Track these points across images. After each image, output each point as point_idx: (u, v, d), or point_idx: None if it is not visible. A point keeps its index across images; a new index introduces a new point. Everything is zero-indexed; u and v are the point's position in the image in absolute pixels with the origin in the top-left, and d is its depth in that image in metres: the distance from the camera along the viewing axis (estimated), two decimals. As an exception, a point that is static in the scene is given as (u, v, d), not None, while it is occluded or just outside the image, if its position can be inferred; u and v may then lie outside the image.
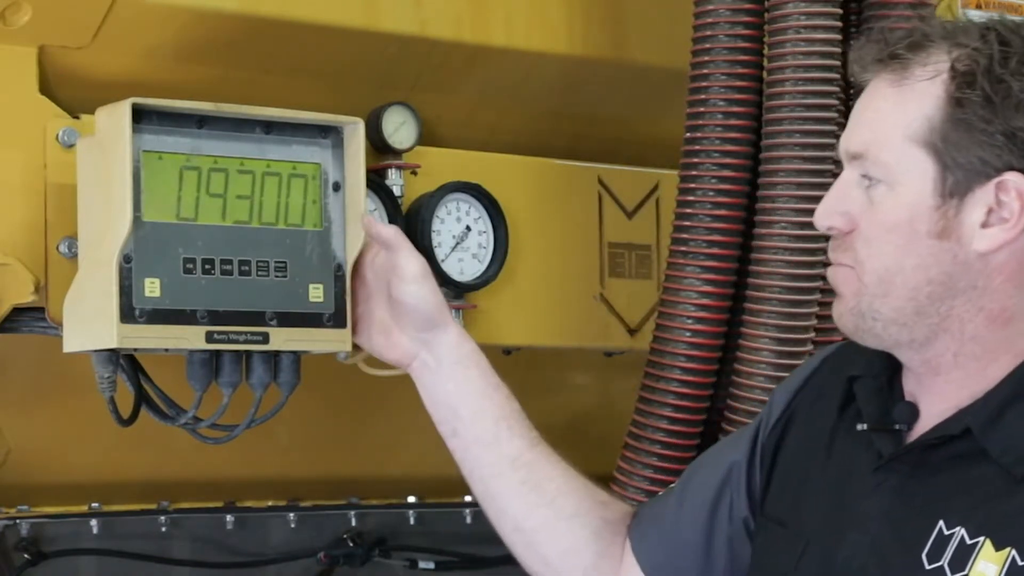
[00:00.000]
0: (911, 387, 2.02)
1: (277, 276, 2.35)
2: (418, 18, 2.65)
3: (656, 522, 2.24)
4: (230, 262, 2.32)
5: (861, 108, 1.98)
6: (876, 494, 1.95)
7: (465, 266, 2.68)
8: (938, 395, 1.97)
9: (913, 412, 1.99)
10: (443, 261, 2.65)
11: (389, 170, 2.62)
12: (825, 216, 1.99)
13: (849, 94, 2.72)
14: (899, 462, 1.95)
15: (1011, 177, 1.88)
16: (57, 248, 2.35)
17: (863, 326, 1.97)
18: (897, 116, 1.92)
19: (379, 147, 2.61)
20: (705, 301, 2.64)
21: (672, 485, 2.29)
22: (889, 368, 2.04)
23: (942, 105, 1.89)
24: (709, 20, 2.64)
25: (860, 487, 1.97)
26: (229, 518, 3.05)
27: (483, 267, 2.70)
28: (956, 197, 1.90)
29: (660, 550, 2.23)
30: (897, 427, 1.98)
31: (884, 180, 1.93)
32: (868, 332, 1.97)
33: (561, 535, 2.28)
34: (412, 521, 3.24)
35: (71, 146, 2.36)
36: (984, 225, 1.90)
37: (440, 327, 2.32)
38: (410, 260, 2.31)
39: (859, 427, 2.00)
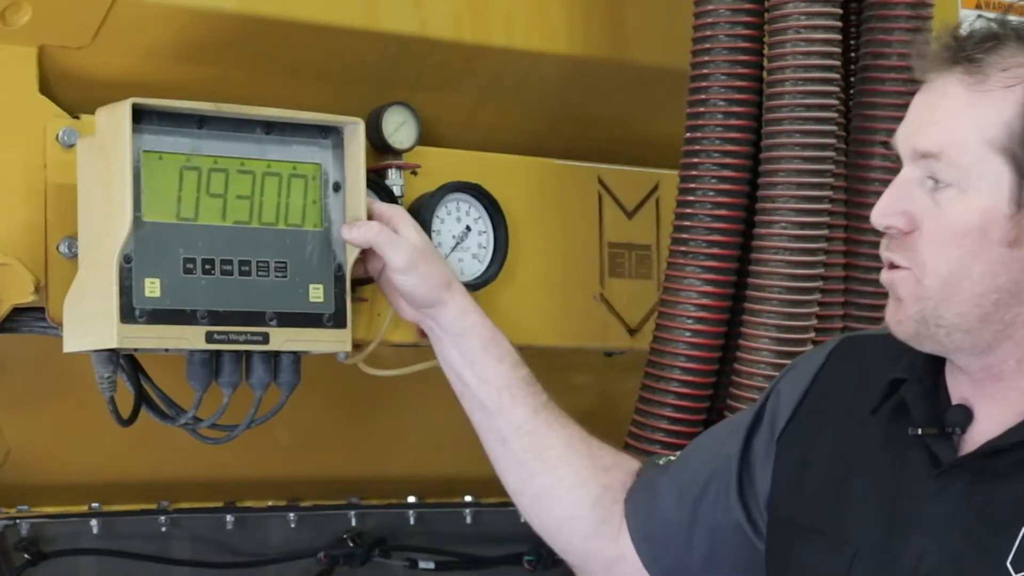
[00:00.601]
0: (963, 391, 1.99)
1: (277, 276, 2.35)
2: (418, 18, 2.65)
3: (649, 494, 2.27)
4: (230, 262, 2.32)
5: (930, 107, 1.94)
6: (938, 500, 1.93)
7: (465, 266, 2.68)
8: (1000, 400, 1.95)
9: (967, 416, 1.96)
10: (443, 261, 2.65)
11: (389, 170, 2.62)
12: (885, 215, 1.95)
13: (849, 94, 2.73)
14: (961, 467, 1.93)
15: None
16: (57, 248, 2.35)
17: (925, 332, 1.94)
18: (975, 120, 1.89)
19: (379, 147, 2.60)
20: (705, 301, 2.64)
21: (673, 455, 2.31)
22: (933, 370, 2.01)
23: (1023, 112, 1.88)
24: (709, 20, 2.64)
25: (918, 492, 1.95)
26: (229, 518, 3.05)
27: (483, 267, 2.70)
28: None
29: (648, 523, 2.26)
30: (950, 431, 1.95)
31: (955, 184, 1.90)
32: (930, 338, 1.94)
33: (561, 503, 2.32)
34: (412, 521, 3.24)
35: (71, 146, 2.36)
36: None
37: (439, 304, 2.38)
38: (394, 254, 2.37)
39: (911, 431, 1.97)
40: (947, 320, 1.92)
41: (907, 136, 1.95)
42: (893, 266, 1.95)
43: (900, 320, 1.96)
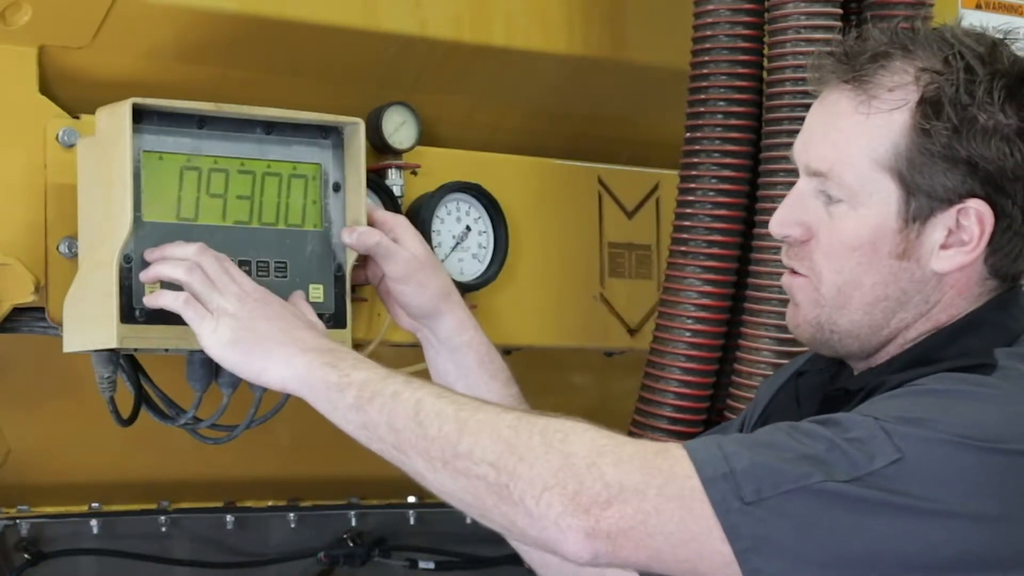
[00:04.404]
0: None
1: (277, 276, 2.35)
2: (418, 18, 2.65)
3: None
4: (230, 262, 2.32)
5: (821, 124, 2.01)
6: None
7: (465, 266, 2.68)
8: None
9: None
10: (443, 261, 2.65)
11: (389, 170, 2.62)
12: (782, 226, 2.04)
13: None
14: None
15: (973, 204, 1.94)
16: (57, 248, 2.35)
17: (820, 337, 2.04)
18: (863, 140, 1.96)
19: (379, 147, 2.61)
20: (705, 301, 2.65)
21: None
22: (835, 363, 2.10)
23: (908, 132, 1.94)
24: (709, 20, 2.65)
25: None
26: (229, 518, 3.05)
27: (483, 267, 2.70)
28: (919, 221, 1.96)
29: None
30: None
31: (846, 200, 1.98)
32: (824, 344, 2.04)
33: None
34: (412, 521, 3.24)
35: (71, 146, 2.36)
36: (943, 246, 1.96)
37: (436, 316, 2.37)
38: (392, 263, 2.37)
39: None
40: (840, 327, 2.01)
41: (801, 150, 2.04)
42: (794, 272, 2.04)
43: (798, 324, 2.06)
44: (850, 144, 1.97)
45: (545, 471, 1.82)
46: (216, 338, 2.13)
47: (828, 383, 2.09)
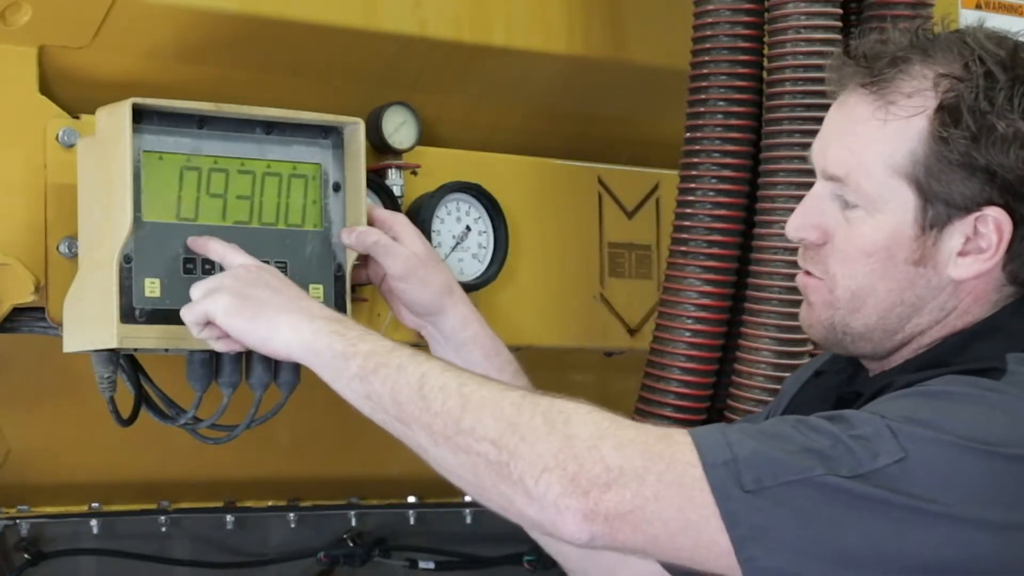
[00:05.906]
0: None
1: (277, 276, 2.35)
2: (418, 18, 2.65)
3: None
4: (230, 262, 2.32)
5: (838, 129, 2.00)
6: None
7: (465, 266, 2.68)
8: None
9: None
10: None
11: (389, 170, 2.62)
12: (798, 229, 2.02)
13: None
14: None
15: (991, 212, 1.93)
16: (57, 248, 2.35)
17: (832, 338, 2.03)
18: (880, 146, 1.95)
19: (379, 147, 2.61)
20: (705, 301, 2.65)
21: None
22: (853, 364, 2.09)
23: (926, 139, 1.93)
24: (709, 20, 2.65)
25: None
26: (229, 518, 3.05)
27: (483, 267, 2.70)
28: (936, 228, 1.95)
29: None
30: None
31: (862, 206, 1.97)
32: (837, 344, 2.04)
33: None
34: (412, 521, 3.23)
35: (71, 146, 2.36)
36: (961, 253, 1.95)
37: (440, 312, 2.38)
38: (392, 262, 2.37)
39: None
40: (853, 329, 2.00)
41: (819, 153, 2.02)
42: (808, 273, 2.04)
43: (811, 324, 2.05)
44: (867, 150, 1.95)
45: (546, 452, 1.81)
46: (220, 306, 2.14)
47: (844, 384, 2.08)
